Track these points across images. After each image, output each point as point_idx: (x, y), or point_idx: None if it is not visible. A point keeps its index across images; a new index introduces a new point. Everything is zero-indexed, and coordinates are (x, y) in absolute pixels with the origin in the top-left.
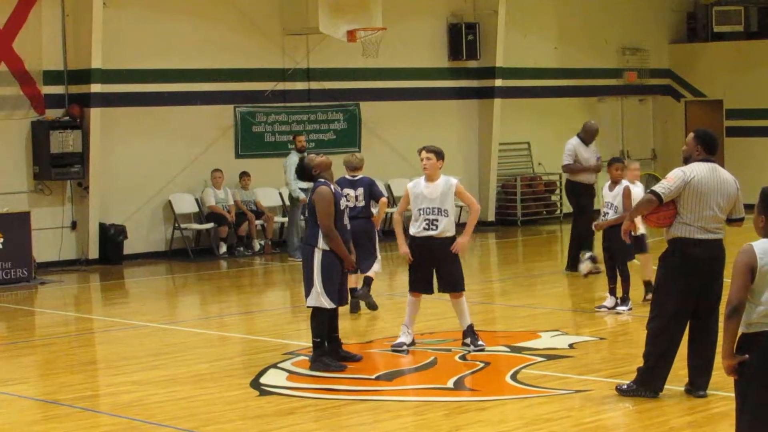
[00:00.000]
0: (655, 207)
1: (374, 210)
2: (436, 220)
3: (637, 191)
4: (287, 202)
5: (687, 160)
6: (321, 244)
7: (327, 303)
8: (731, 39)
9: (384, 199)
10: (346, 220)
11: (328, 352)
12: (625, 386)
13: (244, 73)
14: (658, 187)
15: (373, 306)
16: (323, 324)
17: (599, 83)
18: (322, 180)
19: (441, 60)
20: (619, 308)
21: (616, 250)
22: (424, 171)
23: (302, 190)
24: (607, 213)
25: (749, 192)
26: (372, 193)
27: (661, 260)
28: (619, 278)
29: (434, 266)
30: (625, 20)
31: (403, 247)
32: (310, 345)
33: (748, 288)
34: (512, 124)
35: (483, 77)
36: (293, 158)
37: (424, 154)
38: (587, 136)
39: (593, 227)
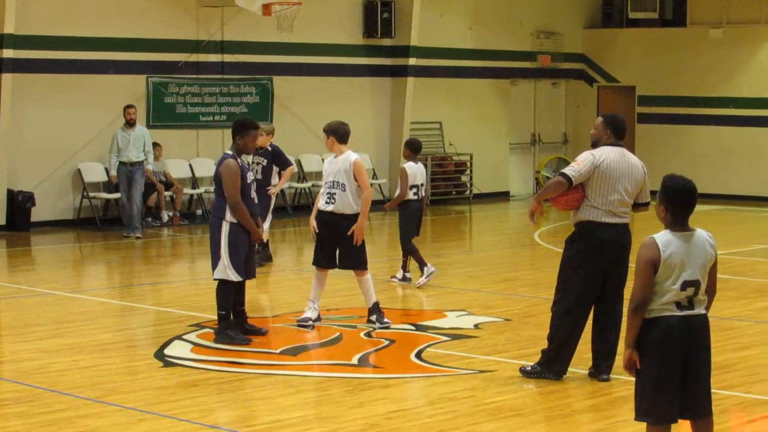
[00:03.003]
0: (564, 190)
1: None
2: (334, 194)
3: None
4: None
5: (595, 144)
6: (228, 216)
7: (233, 276)
8: (646, 26)
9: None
10: (254, 194)
11: (233, 325)
12: (529, 368)
13: (158, 43)
14: (568, 170)
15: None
16: (229, 297)
17: (513, 65)
18: (230, 153)
19: (355, 37)
20: (421, 280)
21: (400, 226)
22: None
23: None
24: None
25: (659, 178)
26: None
27: (567, 243)
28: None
29: (337, 243)
30: (540, 3)
31: (312, 220)
32: (216, 317)
33: (652, 283)
34: (425, 103)
35: (397, 55)
36: (121, 132)
37: None
38: None
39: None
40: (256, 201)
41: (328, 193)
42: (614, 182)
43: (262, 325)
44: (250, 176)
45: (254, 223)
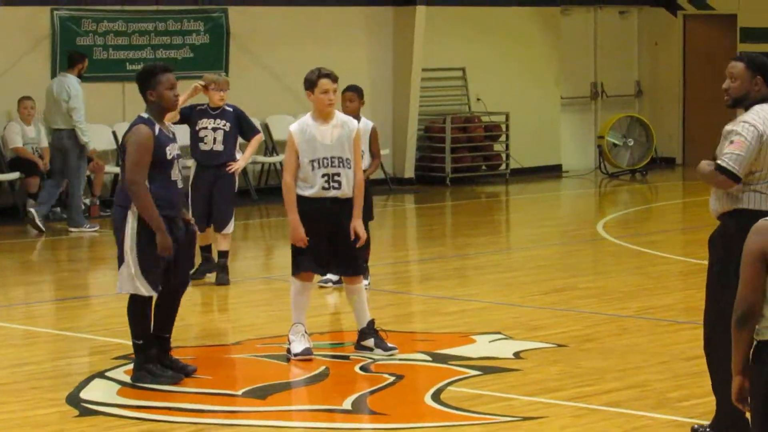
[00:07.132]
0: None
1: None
2: (338, 175)
3: None
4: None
5: (738, 102)
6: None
7: (144, 289)
8: None
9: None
10: (177, 176)
11: (155, 357)
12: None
13: None
14: (726, 160)
15: (223, 281)
16: (145, 318)
17: None
18: (144, 116)
19: None
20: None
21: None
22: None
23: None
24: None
25: None
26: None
27: (716, 242)
28: None
29: (330, 237)
30: None
31: (299, 230)
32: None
33: (762, 285)
34: (441, 41)
35: None
36: (74, 82)
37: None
38: None
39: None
40: (181, 186)
41: (326, 175)
42: None
43: (212, 357)
44: (173, 150)
45: (161, 218)
